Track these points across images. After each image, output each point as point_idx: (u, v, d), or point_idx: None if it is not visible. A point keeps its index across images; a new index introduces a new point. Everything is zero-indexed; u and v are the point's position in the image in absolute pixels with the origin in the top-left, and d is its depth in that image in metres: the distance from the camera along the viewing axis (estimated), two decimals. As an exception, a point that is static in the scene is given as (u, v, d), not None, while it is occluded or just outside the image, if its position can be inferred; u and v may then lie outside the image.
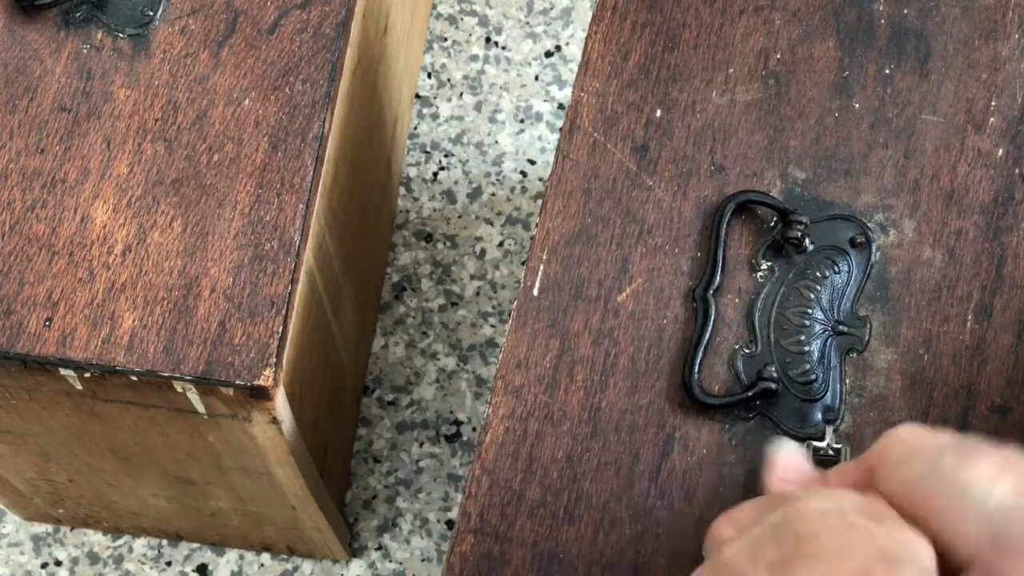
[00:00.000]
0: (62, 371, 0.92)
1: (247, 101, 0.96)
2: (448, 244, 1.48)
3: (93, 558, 1.40)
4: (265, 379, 0.90)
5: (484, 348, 1.45)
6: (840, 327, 0.86)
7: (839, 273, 0.87)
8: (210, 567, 1.39)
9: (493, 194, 1.50)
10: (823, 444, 0.83)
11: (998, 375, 0.85)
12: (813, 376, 0.85)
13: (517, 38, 1.56)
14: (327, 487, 1.21)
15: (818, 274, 0.87)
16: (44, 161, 0.94)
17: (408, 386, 1.44)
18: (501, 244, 1.48)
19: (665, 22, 0.93)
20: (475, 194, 1.50)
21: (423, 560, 1.39)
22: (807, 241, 0.87)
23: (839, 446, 0.83)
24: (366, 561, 1.39)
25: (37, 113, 0.95)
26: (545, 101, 1.53)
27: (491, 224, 1.49)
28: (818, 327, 0.86)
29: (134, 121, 0.95)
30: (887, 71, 0.92)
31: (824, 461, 0.83)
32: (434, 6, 1.57)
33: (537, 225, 0.89)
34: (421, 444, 1.43)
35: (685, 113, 0.91)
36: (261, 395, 0.91)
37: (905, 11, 0.93)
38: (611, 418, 0.85)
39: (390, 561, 1.39)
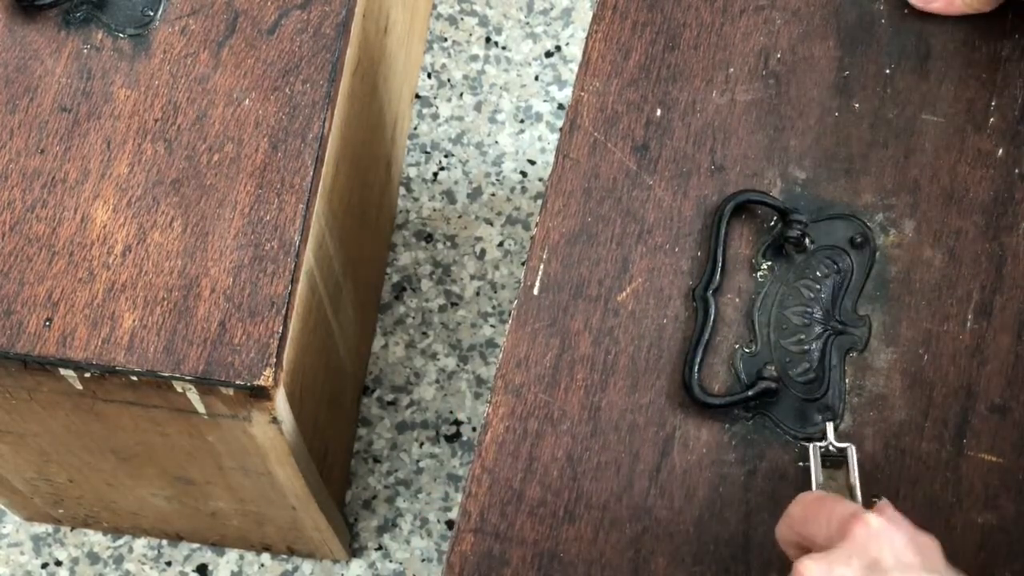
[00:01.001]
0: (62, 371, 0.92)
1: (247, 101, 0.96)
2: (448, 244, 1.48)
3: (93, 558, 1.40)
4: (265, 379, 0.90)
5: (484, 348, 1.45)
6: (840, 327, 0.86)
7: (839, 273, 0.87)
8: (210, 567, 1.39)
9: (493, 194, 1.50)
10: (824, 444, 0.83)
11: (998, 375, 0.85)
12: (813, 375, 0.85)
13: (517, 38, 1.56)
14: (327, 487, 1.21)
15: (818, 274, 0.87)
16: (44, 161, 0.94)
17: (408, 386, 1.44)
18: (501, 244, 1.48)
19: (666, 22, 0.93)
20: (475, 194, 1.50)
21: (423, 560, 1.39)
22: (807, 241, 0.87)
23: (843, 445, 0.83)
24: (366, 561, 1.39)
25: (37, 113, 0.95)
26: (545, 101, 1.53)
27: (491, 224, 1.49)
28: (818, 327, 0.86)
29: (134, 121, 0.95)
30: (887, 71, 0.92)
31: (830, 462, 0.83)
32: (434, 6, 1.57)
33: (537, 224, 0.89)
34: (421, 444, 1.43)
35: (685, 112, 0.91)
36: (261, 395, 0.92)
37: (905, 11, 0.93)
38: (611, 417, 0.85)
39: (390, 561, 1.39)
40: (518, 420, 0.85)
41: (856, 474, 0.81)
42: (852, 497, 0.81)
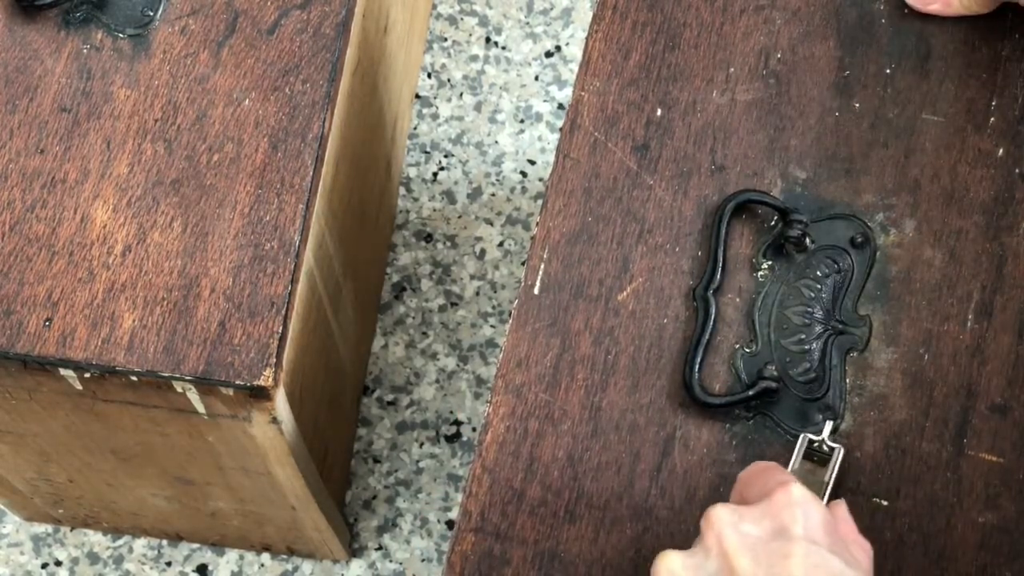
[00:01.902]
0: (62, 371, 0.92)
1: (247, 101, 0.96)
2: (448, 244, 1.48)
3: (93, 558, 1.40)
4: (265, 379, 0.90)
5: (484, 348, 1.45)
6: (841, 326, 0.86)
7: (840, 272, 0.87)
8: (210, 567, 1.39)
9: (493, 194, 1.50)
10: (818, 439, 0.83)
11: (998, 375, 0.85)
12: (814, 375, 0.85)
13: (517, 38, 1.56)
14: (327, 487, 1.21)
15: (819, 273, 0.87)
16: (44, 161, 0.94)
17: (408, 386, 1.44)
18: (501, 244, 1.48)
19: (666, 21, 0.93)
20: (475, 194, 1.50)
21: (423, 560, 1.39)
22: (807, 240, 0.87)
23: (835, 445, 0.83)
24: (366, 561, 1.39)
25: (37, 113, 0.95)
26: (545, 101, 1.53)
27: (491, 224, 1.49)
28: (819, 326, 0.86)
29: (134, 121, 0.95)
30: (888, 70, 0.92)
31: (818, 458, 0.83)
32: (434, 6, 1.57)
33: (538, 224, 0.89)
34: (421, 444, 1.43)
35: (686, 112, 0.91)
36: (261, 395, 0.91)
37: (905, 10, 0.93)
38: (612, 417, 0.85)
39: (390, 561, 1.39)
40: (518, 420, 0.85)
41: (832, 474, 0.81)
42: (822, 494, 0.81)
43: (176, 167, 0.94)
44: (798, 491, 0.71)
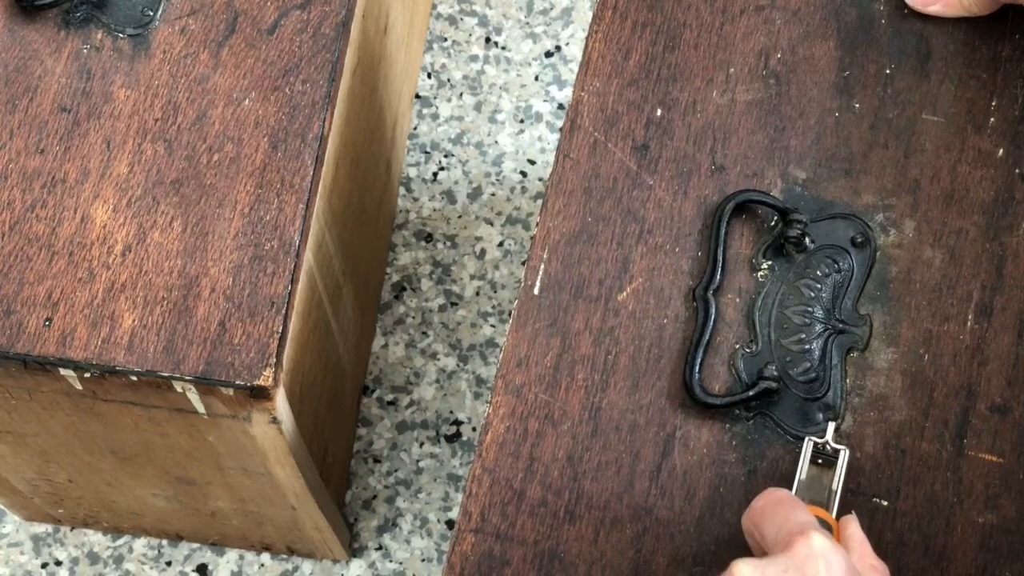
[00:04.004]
0: (62, 371, 0.92)
1: (247, 101, 0.96)
2: (448, 244, 1.48)
3: (93, 558, 1.40)
4: (265, 379, 0.90)
5: (484, 348, 1.45)
6: (841, 326, 0.86)
7: (840, 272, 0.87)
8: (210, 567, 1.39)
9: (493, 194, 1.50)
10: (822, 441, 0.83)
11: (998, 375, 0.85)
12: (814, 375, 0.85)
13: (517, 38, 1.56)
14: (327, 487, 1.21)
15: (819, 273, 0.87)
16: (44, 161, 0.94)
17: (408, 386, 1.44)
18: (501, 244, 1.48)
19: (666, 21, 0.93)
20: (475, 194, 1.50)
21: (423, 560, 1.39)
22: (807, 240, 0.87)
23: (839, 447, 0.83)
24: (366, 561, 1.39)
25: (37, 113, 0.95)
26: (545, 101, 1.53)
27: (491, 224, 1.49)
28: (819, 326, 0.86)
29: (134, 121, 0.95)
30: (888, 71, 0.92)
31: (822, 460, 0.83)
32: (434, 6, 1.57)
33: (538, 224, 0.89)
34: (421, 444, 1.43)
35: (686, 112, 0.91)
36: (261, 395, 0.91)
37: (905, 11, 0.93)
38: (612, 417, 0.85)
39: (390, 561, 1.39)
40: (518, 420, 0.85)
41: (839, 480, 0.81)
42: (830, 502, 0.81)
43: (176, 167, 0.94)
44: (818, 541, 0.71)
